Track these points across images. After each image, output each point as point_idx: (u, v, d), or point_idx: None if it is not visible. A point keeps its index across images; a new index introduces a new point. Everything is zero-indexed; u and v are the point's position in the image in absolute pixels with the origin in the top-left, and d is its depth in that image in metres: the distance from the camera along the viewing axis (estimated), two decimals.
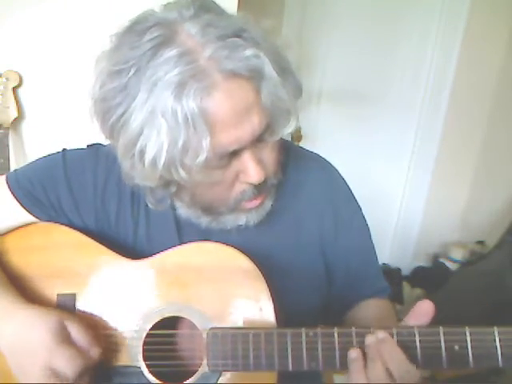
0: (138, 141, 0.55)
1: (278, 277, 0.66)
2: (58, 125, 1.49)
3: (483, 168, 2.30)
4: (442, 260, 2.37)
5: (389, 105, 2.21)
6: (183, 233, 0.72)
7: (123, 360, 0.66)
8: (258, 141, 0.59)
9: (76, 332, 0.63)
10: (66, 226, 0.72)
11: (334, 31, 2.07)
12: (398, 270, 2.40)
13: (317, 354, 0.59)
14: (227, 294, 0.65)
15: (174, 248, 0.68)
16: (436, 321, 0.59)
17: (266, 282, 0.65)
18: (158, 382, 0.65)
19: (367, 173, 2.19)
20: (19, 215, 0.72)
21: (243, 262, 0.65)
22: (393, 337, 0.57)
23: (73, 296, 0.68)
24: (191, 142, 0.53)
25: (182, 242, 0.69)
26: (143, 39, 0.54)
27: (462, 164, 2.31)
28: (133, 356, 0.65)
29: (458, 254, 2.32)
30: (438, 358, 0.57)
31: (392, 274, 2.34)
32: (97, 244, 0.69)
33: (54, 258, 0.70)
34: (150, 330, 0.66)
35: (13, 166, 1.39)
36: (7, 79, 1.39)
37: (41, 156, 0.76)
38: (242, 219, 0.67)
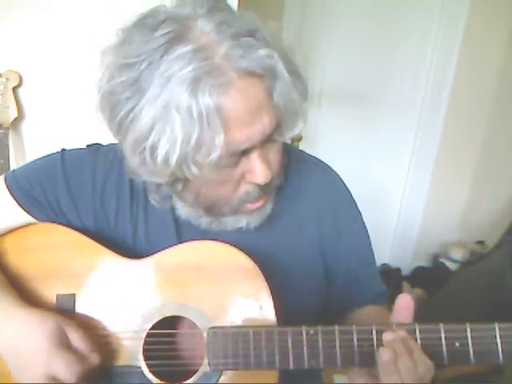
0: (149, 136, 0.54)
1: (277, 278, 0.66)
2: (58, 125, 1.49)
3: (483, 168, 2.30)
4: (442, 260, 2.37)
5: (389, 105, 2.21)
6: (182, 233, 0.71)
7: (123, 360, 0.66)
8: (266, 141, 0.59)
9: (76, 338, 0.63)
10: (65, 226, 0.71)
11: (333, 31, 2.07)
12: (398, 270, 2.40)
13: (318, 352, 0.59)
14: (227, 292, 0.65)
15: (174, 247, 0.68)
16: (436, 321, 0.59)
17: (266, 280, 0.64)
18: (158, 381, 0.64)
19: (367, 173, 2.20)
20: (18, 216, 0.72)
21: (243, 260, 0.65)
22: None
23: (72, 296, 0.68)
24: (205, 138, 0.53)
25: (180, 243, 0.69)
26: (155, 33, 0.53)
27: (461, 164, 2.31)
28: (133, 356, 0.65)
29: (458, 254, 2.32)
30: (439, 355, 0.57)
31: (392, 274, 2.34)
32: (96, 244, 0.69)
33: (53, 258, 0.70)
34: (150, 329, 0.65)
35: (13, 166, 1.39)
36: (7, 79, 1.39)
37: (40, 156, 0.76)
38: (242, 221, 0.67)
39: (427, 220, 2.39)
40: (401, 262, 2.42)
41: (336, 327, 0.59)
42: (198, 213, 0.67)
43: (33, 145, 1.50)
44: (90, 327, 0.66)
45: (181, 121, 0.52)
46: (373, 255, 0.81)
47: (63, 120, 1.48)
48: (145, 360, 0.65)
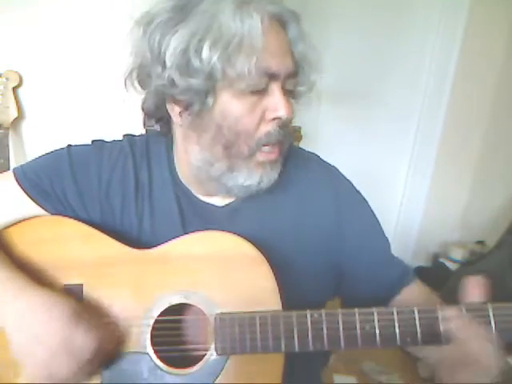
0: (196, 34, 0.59)
1: (279, 270, 0.66)
2: (58, 125, 1.49)
3: (483, 168, 2.30)
4: (441, 260, 2.37)
5: (389, 103, 2.21)
6: (188, 225, 0.72)
7: (131, 347, 0.67)
8: (285, 83, 0.65)
9: (89, 314, 0.64)
10: (72, 218, 0.72)
11: (333, 31, 2.07)
12: None
13: (322, 334, 0.61)
14: (233, 279, 0.66)
15: (181, 237, 0.69)
16: None
17: (271, 268, 0.66)
18: (166, 367, 0.65)
19: (367, 173, 2.19)
20: (27, 207, 0.72)
21: (248, 249, 0.66)
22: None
23: (80, 286, 0.69)
24: (245, 41, 0.59)
25: (186, 233, 0.70)
26: None
27: (462, 164, 2.32)
28: (141, 342, 0.66)
29: (458, 254, 2.32)
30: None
31: None
32: (103, 235, 0.70)
33: (61, 249, 0.70)
34: (158, 317, 0.66)
35: (13, 166, 1.39)
36: (7, 79, 1.40)
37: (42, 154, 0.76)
38: (255, 177, 0.67)
39: (427, 220, 2.40)
40: None
41: (339, 310, 0.61)
42: (214, 155, 0.67)
43: (33, 145, 1.51)
44: (98, 316, 0.67)
45: (228, 24, 0.59)
46: (385, 235, 0.80)
47: (63, 120, 1.49)
48: (152, 346, 0.66)
